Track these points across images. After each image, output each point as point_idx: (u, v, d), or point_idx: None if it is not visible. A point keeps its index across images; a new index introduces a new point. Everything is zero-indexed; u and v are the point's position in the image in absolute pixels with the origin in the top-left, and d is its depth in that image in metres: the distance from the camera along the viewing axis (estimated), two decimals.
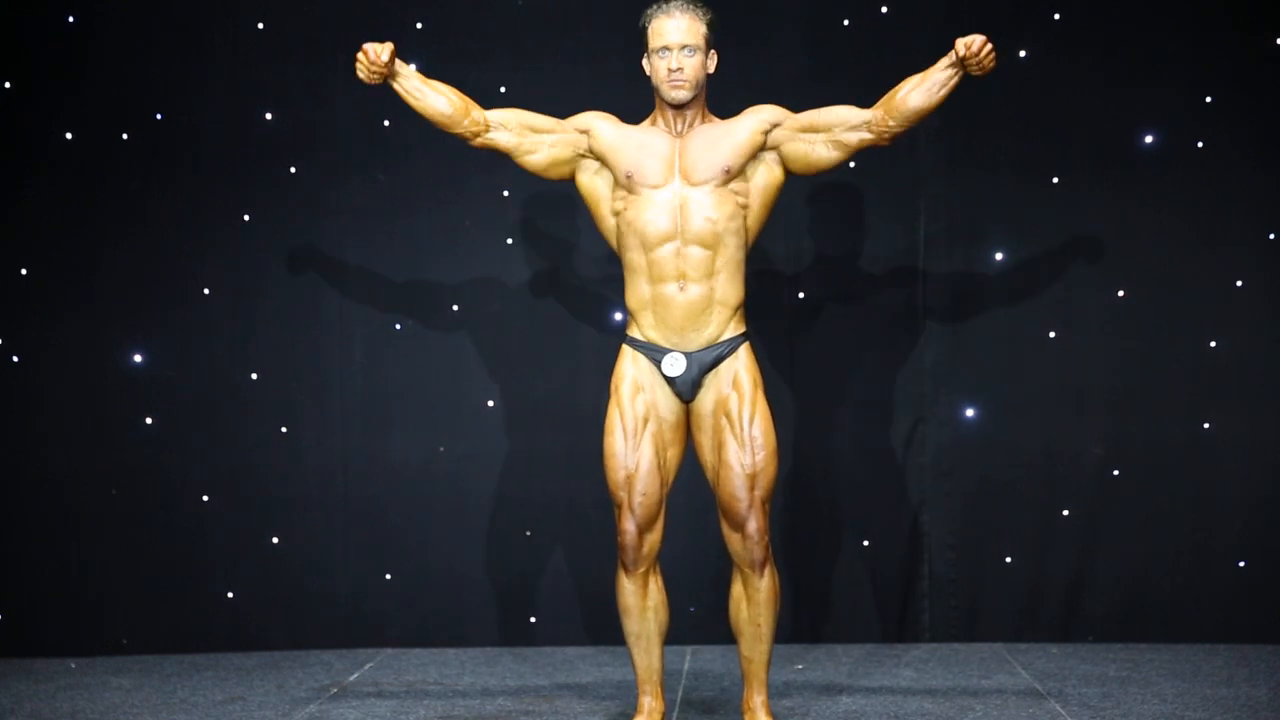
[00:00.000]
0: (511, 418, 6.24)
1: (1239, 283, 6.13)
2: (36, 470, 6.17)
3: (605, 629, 6.24)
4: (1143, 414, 6.15)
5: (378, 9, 6.21)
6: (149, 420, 6.19)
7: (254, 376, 6.22)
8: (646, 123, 4.78)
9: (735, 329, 4.69)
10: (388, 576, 6.24)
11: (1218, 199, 6.13)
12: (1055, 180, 6.15)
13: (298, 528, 6.23)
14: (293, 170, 6.22)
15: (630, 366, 4.71)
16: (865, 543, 6.21)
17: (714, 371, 4.66)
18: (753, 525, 4.65)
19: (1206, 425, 6.13)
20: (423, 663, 5.99)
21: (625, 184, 4.67)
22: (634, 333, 4.72)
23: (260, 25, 6.20)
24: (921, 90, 4.65)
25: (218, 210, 6.21)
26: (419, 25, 6.21)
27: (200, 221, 6.20)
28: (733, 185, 4.66)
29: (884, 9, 6.14)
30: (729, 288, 4.66)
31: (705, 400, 4.68)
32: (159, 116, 6.19)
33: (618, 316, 6.21)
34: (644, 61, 4.75)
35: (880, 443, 6.19)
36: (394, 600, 6.24)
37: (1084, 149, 6.14)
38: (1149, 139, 6.13)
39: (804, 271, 6.18)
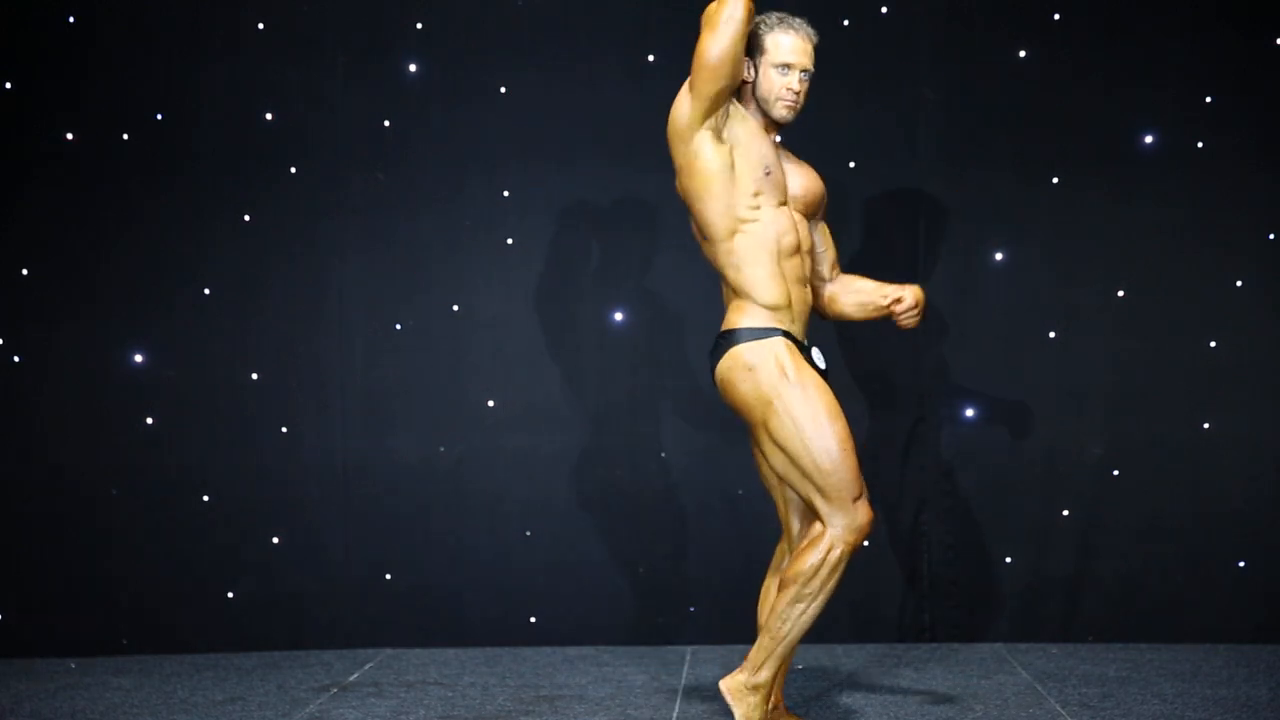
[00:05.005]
0: (511, 418, 6.24)
1: (1239, 283, 6.13)
2: (37, 470, 6.17)
3: (605, 629, 6.24)
4: (1143, 414, 6.15)
5: (378, 9, 6.21)
6: (149, 420, 6.20)
7: (254, 376, 6.22)
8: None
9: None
10: (388, 576, 6.24)
11: (1218, 199, 6.13)
12: (1055, 180, 6.15)
13: (298, 528, 6.23)
14: (293, 170, 6.22)
15: (792, 356, 4.55)
16: (865, 543, 6.20)
17: None
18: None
19: (1206, 425, 6.13)
20: (423, 663, 5.99)
21: (759, 181, 4.56)
22: (784, 325, 4.59)
23: (260, 25, 6.20)
24: (857, 307, 4.89)
25: (218, 210, 6.21)
26: (419, 25, 6.21)
27: (200, 221, 6.20)
28: None
29: (884, 9, 6.14)
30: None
31: None
32: (159, 116, 6.19)
33: (618, 317, 6.22)
34: (746, 68, 4.57)
35: (880, 443, 6.19)
36: (394, 600, 6.24)
37: (1084, 149, 6.14)
38: (1149, 139, 6.13)
39: None
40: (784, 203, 4.64)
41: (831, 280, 4.91)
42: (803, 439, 4.47)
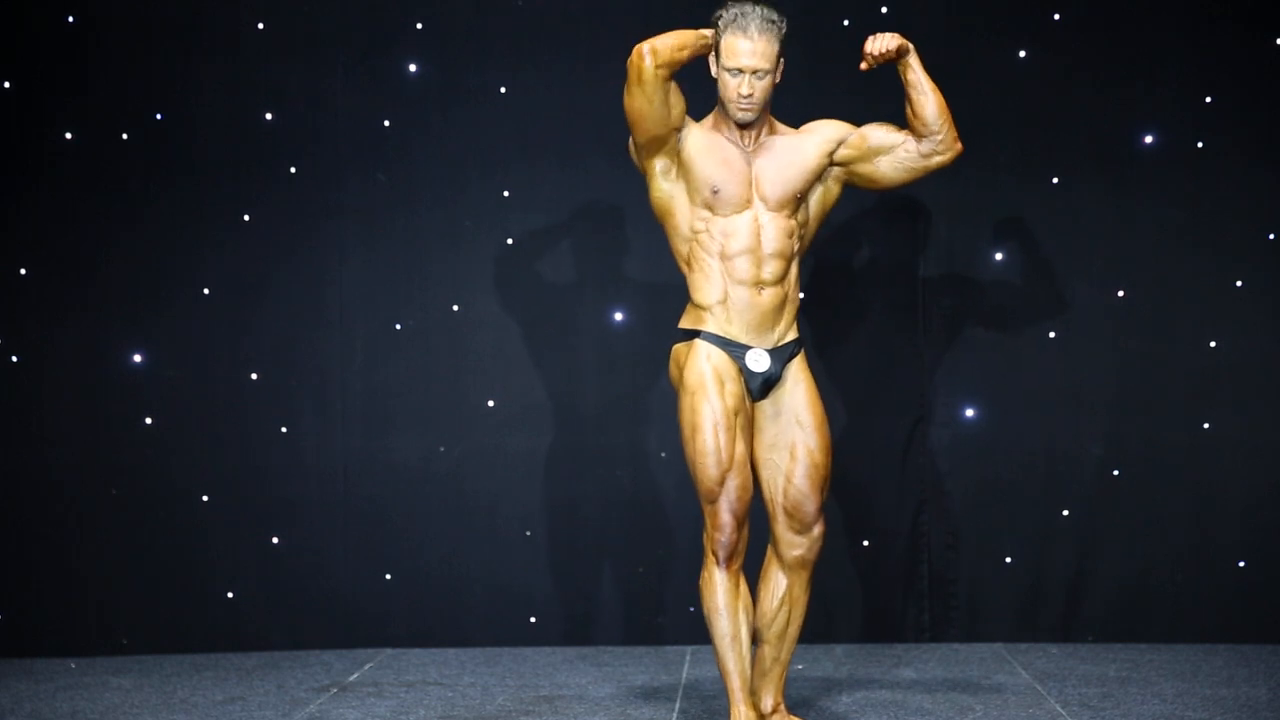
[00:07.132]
0: (511, 418, 6.24)
1: (1239, 283, 6.13)
2: (36, 470, 6.17)
3: (605, 629, 6.24)
4: (1143, 414, 6.15)
5: (378, 9, 6.21)
6: (149, 420, 6.20)
7: (254, 376, 6.22)
8: (710, 124, 4.65)
9: (796, 331, 4.71)
10: (388, 576, 6.24)
11: (1218, 199, 6.13)
12: (1055, 180, 6.15)
13: (298, 528, 6.23)
14: (293, 170, 6.22)
15: (706, 362, 4.62)
16: (865, 542, 6.21)
17: (784, 370, 4.67)
18: (819, 528, 4.65)
19: (1206, 425, 6.13)
20: (423, 663, 5.99)
21: (708, 199, 4.60)
22: (715, 325, 4.64)
23: (260, 25, 6.20)
24: (916, 101, 4.66)
25: (218, 210, 6.21)
26: (419, 25, 6.21)
27: (200, 221, 6.21)
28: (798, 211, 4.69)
29: (884, 9, 6.14)
30: (795, 291, 4.71)
31: (778, 398, 4.67)
32: (159, 116, 6.19)
33: (618, 317, 6.22)
34: (711, 64, 4.59)
35: (880, 443, 6.19)
36: (394, 600, 6.24)
37: (1084, 149, 6.14)
38: (1149, 139, 6.14)
39: (804, 271, 6.16)
40: (745, 208, 4.61)
41: (918, 139, 4.65)
42: (684, 441, 4.62)
